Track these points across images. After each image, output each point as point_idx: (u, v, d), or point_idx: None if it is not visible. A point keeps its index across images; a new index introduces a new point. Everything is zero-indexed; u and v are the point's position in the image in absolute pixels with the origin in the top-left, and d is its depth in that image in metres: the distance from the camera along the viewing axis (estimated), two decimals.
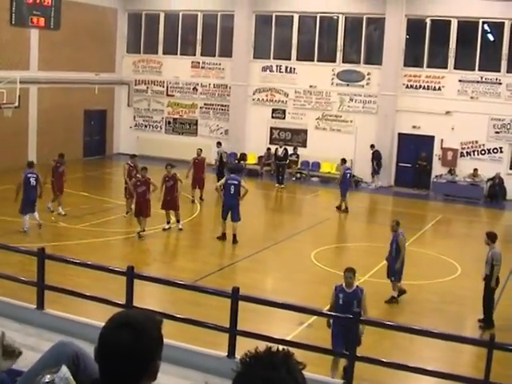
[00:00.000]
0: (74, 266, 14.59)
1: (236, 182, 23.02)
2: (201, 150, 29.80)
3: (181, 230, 24.07)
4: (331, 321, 12.44)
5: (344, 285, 12.64)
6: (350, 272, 12.68)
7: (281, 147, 35.08)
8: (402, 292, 17.69)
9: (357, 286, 12.68)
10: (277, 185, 34.01)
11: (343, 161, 30.14)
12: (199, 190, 29.13)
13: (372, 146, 34.72)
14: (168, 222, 24.03)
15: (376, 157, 34.81)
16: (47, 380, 3.29)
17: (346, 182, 29.19)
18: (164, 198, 23.68)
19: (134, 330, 2.89)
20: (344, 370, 11.67)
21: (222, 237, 23.00)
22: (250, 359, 2.56)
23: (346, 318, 11.66)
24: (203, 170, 29.08)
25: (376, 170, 35.05)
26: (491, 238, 16.60)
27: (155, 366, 2.97)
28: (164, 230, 23.87)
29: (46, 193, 24.33)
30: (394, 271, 17.53)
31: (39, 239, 21.02)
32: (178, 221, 24.15)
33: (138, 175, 23.47)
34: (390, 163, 35.46)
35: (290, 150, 35.65)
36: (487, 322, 15.98)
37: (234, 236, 22.76)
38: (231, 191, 22.86)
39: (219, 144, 33.54)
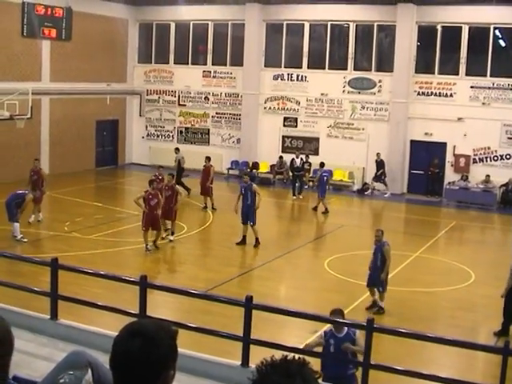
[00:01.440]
0: (87, 276, 14.60)
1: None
2: (208, 158, 29.82)
3: (171, 241, 23.68)
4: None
5: (333, 329, 11.15)
6: (337, 314, 11.20)
7: (297, 157, 34.42)
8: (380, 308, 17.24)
9: (348, 329, 11.07)
10: (294, 197, 33.37)
11: (321, 164, 31.56)
12: (209, 199, 29.06)
13: (378, 155, 34.69)
14: (172, 233, 24.02)
15: (380, 166, 34.75)
16: (67, 380, 3.27)
17: (323, 185, 30.30)
18: (163, 207, 23.37)
19: (145, 338, 2.89)
20: None
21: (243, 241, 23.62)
22: (265, 367, 2.56)
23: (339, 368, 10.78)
24: (207, 178, 29.03)
25: (382, 179, 34.95)
26: None
27: (168, 376, 2.95)
28: (170, 241, 23.78)
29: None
30: (380, 281, 17.17)
31: (53, 249, 21.05)
32: (172, 233, 23.83)
33: (148, 189, 23.09)
34: (402, 170, 35.37)
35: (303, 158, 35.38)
36: (503, 330, 15.66)
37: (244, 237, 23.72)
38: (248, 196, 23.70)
39: (177, 150, 33.34)
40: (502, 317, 15.91)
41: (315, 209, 30.41)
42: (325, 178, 30.77)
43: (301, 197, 33.25)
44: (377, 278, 17.24)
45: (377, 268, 17.24)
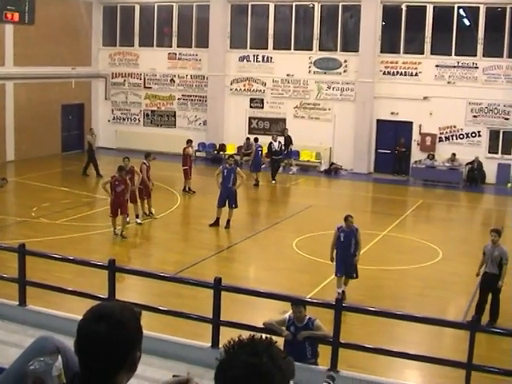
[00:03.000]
0: (55, 262, 14.55)
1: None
2: (190, 140, 29.74)
3: (140, 224, 23.74)
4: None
5: (295, 318, 11.01)
6: (298, 306, 11.03)
7: (275, 141, 33.56)
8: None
9: (308, 319, 10.92)
10: (273, 181, 32.54)
11: (256, 139, 33.15)
12: (188, 181, 28.93)
13: (285, 130, 35.28)
14: (137, 216, 23.86)
15: (287, 141, 34.80)
16: (37, 367, 3.26)
17: (258, 159, 32.09)
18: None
19: (112, 321, 2.89)
20: None
21: (217, 223, 23.51)
22: (233, 347, 2.59)
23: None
24: (187, 160, 29.04)
25: (289, 155, 35.13)
26: (500, 234, 15.56)
27: (134, 357, 2.96)
28: (138, 223, 23.79)
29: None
30: (354, 268, 16.67)
31: (20, 235, 20.90)
32: (136, 215, 23.75)
33: (114, 174, 22.71)
34: (369, 150, 35.50)
35: (269, 139, 34.56)
36: (492, 323, 15.39)
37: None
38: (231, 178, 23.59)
39: (91, 130, 33.58)
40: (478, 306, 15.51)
41: (257, 185, 31.38)
42: (259, 152, 32.00)
43: (274, 181, 32.48)
44: (351, 267, 16.67)
45: (350, 255, 16.60)
